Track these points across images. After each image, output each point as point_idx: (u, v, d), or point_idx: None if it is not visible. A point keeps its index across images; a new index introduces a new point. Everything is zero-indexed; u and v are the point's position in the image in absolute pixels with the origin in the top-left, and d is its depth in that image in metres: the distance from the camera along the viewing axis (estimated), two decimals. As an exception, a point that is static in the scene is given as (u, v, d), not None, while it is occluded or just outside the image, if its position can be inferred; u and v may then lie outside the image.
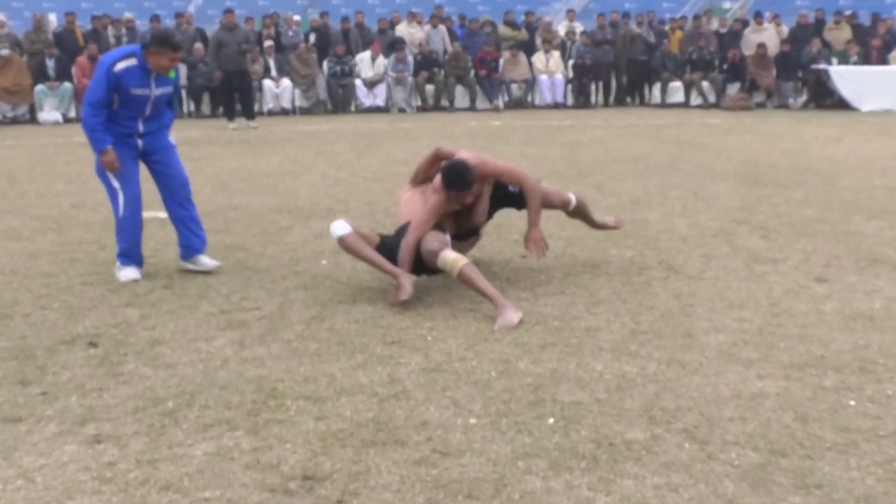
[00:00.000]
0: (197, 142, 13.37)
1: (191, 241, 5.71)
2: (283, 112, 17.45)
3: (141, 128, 5.53)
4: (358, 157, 11.21)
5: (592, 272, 5.59)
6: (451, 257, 4.75)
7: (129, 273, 5.57)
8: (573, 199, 5.58)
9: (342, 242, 4.91)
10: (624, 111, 18.18)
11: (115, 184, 5.52)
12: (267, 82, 17.46)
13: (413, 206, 5.09)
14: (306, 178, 9.56)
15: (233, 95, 15.60)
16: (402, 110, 18.10)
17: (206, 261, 5.72)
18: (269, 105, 17.59)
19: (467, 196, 4.98)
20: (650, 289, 5.21)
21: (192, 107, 17.54)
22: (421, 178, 5.29)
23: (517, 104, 18.70)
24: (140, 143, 5.56)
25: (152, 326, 4.56)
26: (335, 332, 4.43)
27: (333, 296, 5.09)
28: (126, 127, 5.49)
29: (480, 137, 13.33)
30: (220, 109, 16.94)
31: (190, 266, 5.71)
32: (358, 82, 17.94)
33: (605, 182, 9.07)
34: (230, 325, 4.56)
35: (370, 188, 8.93)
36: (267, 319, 4.66)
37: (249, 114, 15.57)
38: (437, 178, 5.07)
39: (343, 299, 5.02)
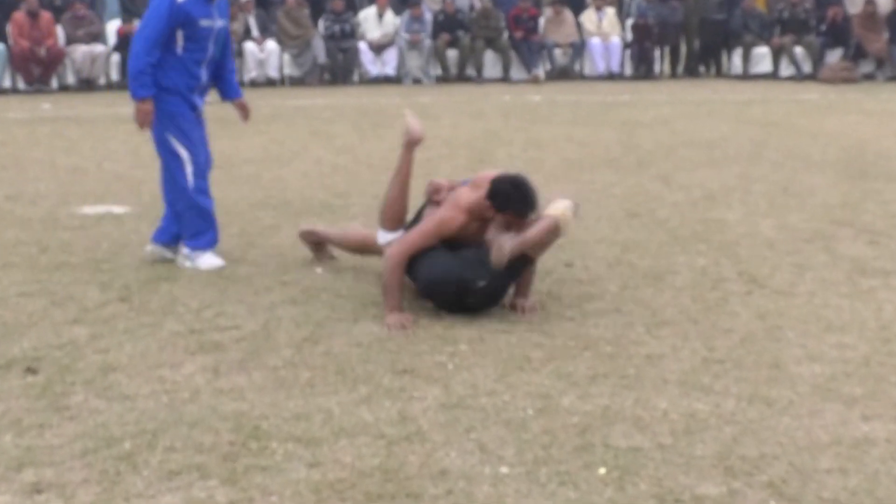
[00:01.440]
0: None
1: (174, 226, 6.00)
2: (269, 82, 17.52)
3: (204, 76, 5.90)
4: (362, 140, 11.26)
5: (655, 285, 5.59)
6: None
7: (210, 259, 5.92)
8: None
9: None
10: (696, 83, 18.15)
11: (181, 150, 5.83)
12: (248, 45, 17.44)
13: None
14: (297, 165, 9.61)
15: None
16: (417, 81, 18.14)
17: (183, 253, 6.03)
18: (250, 73, 17.62)
19: (513, 223, 4.94)
20: (727, 306, 5.20)
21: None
22: (400, 214, 5.50)
23: (562, 74, 18.71)
24: (204, 78, 5.94)
25: (105, 349, 4.59)
26: (332, 358, 4.46)
27: (331, 312, 5.11)
28: (191, 76, 5.84)
29: (515, 115, 13.35)
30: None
31: (167, 255, 6.02)
32: (362, 46, 17.97)
33: (671, 173, 9.07)
34: (202, 348, 4.59)
35: (377, 179, 8.95)
36: (247, 341, 4.70)
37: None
38: (466, 194, 5.07)
39: (343, 317, 5.04)
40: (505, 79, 18.31)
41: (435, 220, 5.08)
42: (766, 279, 5.69)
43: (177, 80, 5.78)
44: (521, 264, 5.00)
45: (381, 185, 8.36)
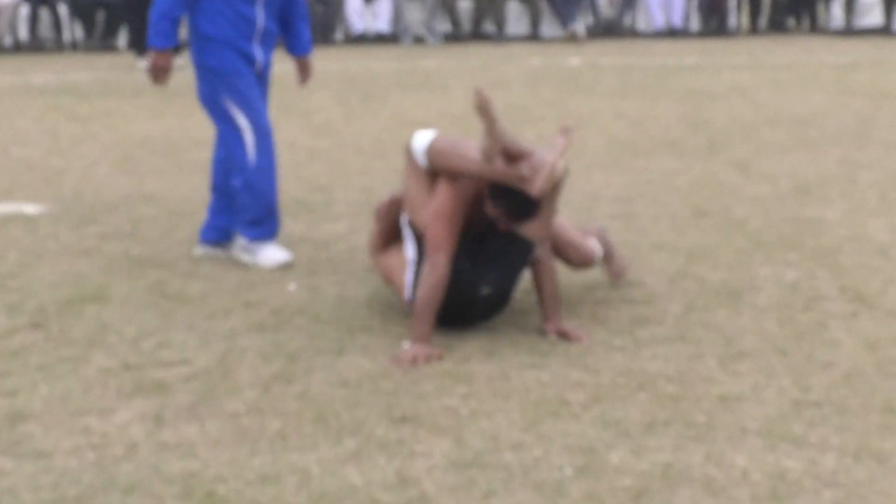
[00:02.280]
0: (86, 90, 13.48)
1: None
2: (227, 43, 17.58)
3: (261, 18, 6.14)
4: (348, 118, 11.27)
5: (731, 305, 5.58)
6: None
7: (274, 253, 6.24)
8: (597, 249, 5.74)
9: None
10: (783, 41, 18.16)
11: (239, 117, 6.08)
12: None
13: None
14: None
15: (146, 15, 15.69)
16: (419, 40, 18.17)
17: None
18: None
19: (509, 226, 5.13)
20: (826, 333, 5.20)
21: (77, 33, 17.71)
22: (387, 236, 5.58)
23: (608, 30, 18.73)
24: (260, 58, 6.19)
25: (13, 391, 4.59)
26: (310, 402, 4.46)
27: (308, 342, 5.12)
28: (243, 20, 6.08)
29: (546, 84, 13.36)
30: (124, 37, 17.09)
31: (217, 254, 6.41)
32: (347, -6, 18.05)
33: (750, 158, 9.06)
34: (140, 390, 4.59)
35: (368, 167, 8.98)
36: (200, 380, 4.70)
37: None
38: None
39: (323, 348, 5.05)
40: (534, 36, 18.34)
41: (445, 201, 5.13)
42: (877, 297, 5.68)
43: (224, 26, 6.02)
44: (524, 257, 5.16)
45: (374, 177, 8.43)
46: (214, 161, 6.42)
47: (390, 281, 5.49)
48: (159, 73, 6.10)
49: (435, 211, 5.12)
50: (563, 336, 5.09)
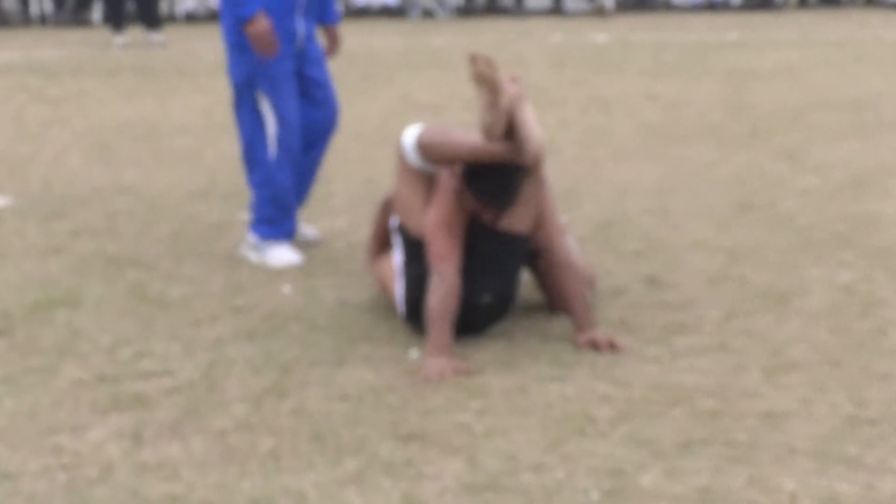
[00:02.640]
0: (56, 69, 13.50)
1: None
2: (213, 16, 17.59)
3: None
4: (347, 100, 11.20)
5: (777, 310, 5.59)
6: None
7: (284, 254, 6.36)
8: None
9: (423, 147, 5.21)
10: (835, 15, 18.14)
11: (266, 107, 6.25)
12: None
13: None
14: (253, 136, 9.65)
15: None
16: (428, 14, 18.20)
17: (305, 230, 6.72)
18: (185, 3, 17.75)
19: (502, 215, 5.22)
20: (885, 341, 5.20)
21: (46, 6, 17.73)
22: (382, 240, 5.69)
23: (639, 2, 18.74)
24: (302, 29, 6.34)
25: (-24, 404, 4.62)
26: (306, 418, 4.47)
27: (303, 352, 5.14)
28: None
29: (570, 64, 13.36)
30: (98, 11, 17.09)
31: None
32: (347, -38, 18.07)
33: (799, 145, 9.06)
34: (117, 404, 4.60)
35: (369, 156, 9.00)
36: (183, 394, 4.71)
37: (152, 19, 15.71)
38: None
39: (321, 358, 5.06)
40: (556, 9, 18.36)
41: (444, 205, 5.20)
42: (941, 301, 5.69)
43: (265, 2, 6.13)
44: (519, 258, 5.29)
45: (377, 167, 8.44)
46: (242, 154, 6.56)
47: (384, 289, 5.54)
48: (265, 39, 6.09)
49: (434, 221, 5.17)
50: (597, 347, 5.10)
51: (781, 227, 6.93)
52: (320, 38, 6.52)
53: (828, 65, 13.14)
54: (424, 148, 5.22)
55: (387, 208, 5.64)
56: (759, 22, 17.20)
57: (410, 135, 5.30)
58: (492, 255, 5.25)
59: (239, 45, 6.22)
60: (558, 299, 5.38)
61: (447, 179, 5.24)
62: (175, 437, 4.32)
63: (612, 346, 5.05)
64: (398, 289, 5.34)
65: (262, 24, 6.04)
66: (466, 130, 5.18)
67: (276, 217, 6.38)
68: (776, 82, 11.99)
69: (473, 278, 5.15)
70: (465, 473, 4.01)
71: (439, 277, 5.05)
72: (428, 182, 5.26)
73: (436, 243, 5.13)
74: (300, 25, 6.31)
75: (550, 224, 5.35)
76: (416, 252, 5.26)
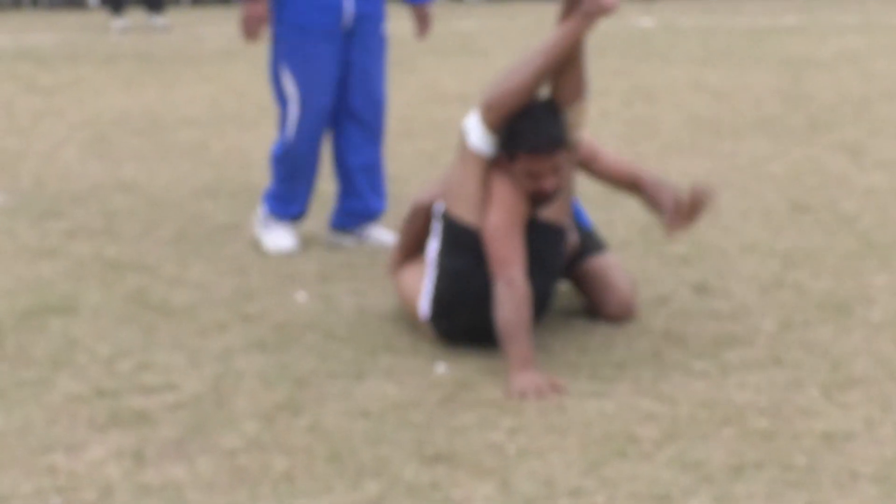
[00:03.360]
0: (50, 55, 13.53)
1: (366, 200, 6.80)
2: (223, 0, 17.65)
3: None
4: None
5: (837, 321, 5.57)
6: None
7: (280, 238, 6.62)
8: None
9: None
10: (903, -3, 18.09)
11: (289, 85, 6.45)
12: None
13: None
14: (265, 129, 9.63)
15: None
16: (455, -5, 18.21)
17: (381, 234, 6.82)
18: (190, -16, 17.80)
19: (559, 163, 5.23)
20: (958, 356, 5.18)
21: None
22: (410, 249, 5.70)
23: (687, -17, 18.72)
24: (351, 8, 6.49)
25: (-37, 420, 4.64)
26: (323, 436, 4.47)
27: (319, 363, 5.14)
28: None
29: (612, 51, 13.35)
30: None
31: (347, 242, 6.82)
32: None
33: (862, 140, 9.03)
34: (116, 421, 4.61)
35: (392, 150, 8.94)
36: (189, 409, 4.72)
37: (154, 1, 15.71)
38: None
39: (339, 370, 5.07)
40: (596, -10, 18.35)
41: (502, 196, 5.21)
42: None
43: None
44: (558, 252, 5.37)
45: (402, 161, 8.44)
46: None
47: (405, 299, 5.53)
48: (253, 25, 6.32)
49: (495, 224, 5.16)
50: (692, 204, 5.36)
51: (842, 229, 6.91)
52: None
53: (894, 52, 13.10)
54: (492, 105, 5.22)
55: (417, 215, 5.63)
56: (819, 4, 17.17)
57: (473, 116, 5.32)
58: (534, 249, 5.23)
59: (275, 20, 6.42)
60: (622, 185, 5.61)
61: (503, 180, 5.23)
62: (180, 456, 4.33)
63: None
64: (426, 283, 5.33)
65: (260, 9, 6.24)
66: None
67: (285, 196, 6.61)
68: (837, 71, 11.97)
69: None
70: (497, 498, 4.01)
71: (507, 285, 5.02)
72: (484, 172, 5.25)
73: (499, 248, 5.10)
74: (348, 3, 6.43)
75: (626, 163, 5.69)
76: (457, 241, 5.26)
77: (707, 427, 4.51)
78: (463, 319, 5.22)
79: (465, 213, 5.22)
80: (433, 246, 5.38)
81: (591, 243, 5.67)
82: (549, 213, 5.25)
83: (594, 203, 5.81)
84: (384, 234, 6.76)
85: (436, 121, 9.92)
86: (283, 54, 6.44)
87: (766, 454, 4.30)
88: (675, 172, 8.04)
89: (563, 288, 5.67)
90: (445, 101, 10.64)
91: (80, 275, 6.20)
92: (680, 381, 4.91)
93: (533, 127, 5.15)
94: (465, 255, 5.20)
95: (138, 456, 4.33)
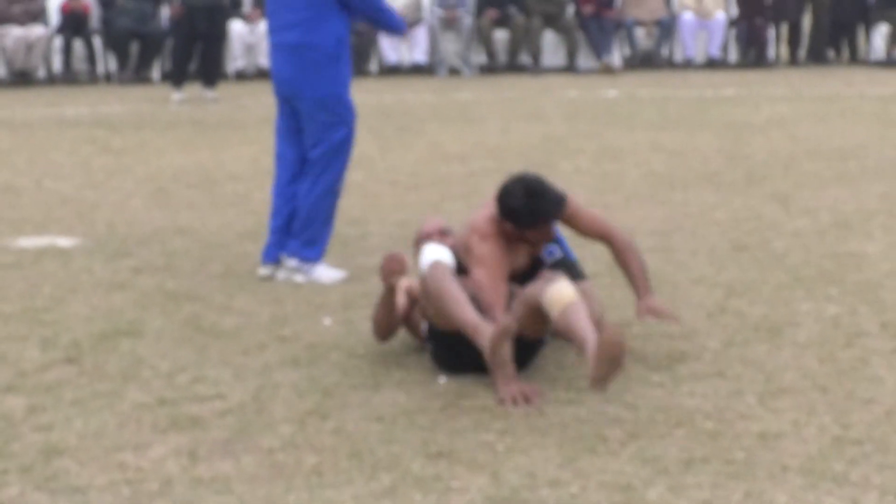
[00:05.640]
0: (119, 122, 13.56)
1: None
2: (261, 74, 17.64)
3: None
4: (382, 150, 11.30)
5: (771, 340, 5.58)
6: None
7: (329, 272, 6.73)
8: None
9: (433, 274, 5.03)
10: (823, 73, 18.11)
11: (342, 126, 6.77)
12: (235, 24, 17.43)
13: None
14: (297, 183, 9.68)
15: (190, 48, 15.46)
16: (454, 71, 18.22)
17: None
18: (236, 63, 17.75)
19: (547, 232, 5.28)
20: (867, 370, 5.18)
21: (111, 65, 17.81)
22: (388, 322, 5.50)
23: (645, 61, 18.73)
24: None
25: (48, 426, 4.63)
26: (346, 437, 4.48)
27: (343, 377, 5.15)
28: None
29: (583, 116, 13.37)
30: (157, 69, 17.16)
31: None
32: (382, 26, 18.06)
33: (790, 192, 9.04)
34: (175, 425, 4.63)
35: (402, 201, 9.01)
36: (234, 415, 4.73)
37: (211, 78, 15.58)
38: (481, 218, 5.31)
39: (359, 383, 5.08)
40: (570, 68, 18.35)
41: (484, 260, 5.17)
42: (920, 333, 5.67)
43: (343, 28, 6.69)
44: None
45: (410, 210, 8.46)
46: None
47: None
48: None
49: (477, 282, 5.13)
50: (658, 315, 5.27)
51: (774, 265, 6.92)
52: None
53: (816, 118, 13.12)
54: (428, 295, 5.04)
55: (390, 292, 5.42)
56: (754, 79, 17.19)
57: (429, 258, 5.17)
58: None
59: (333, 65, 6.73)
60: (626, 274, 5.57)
61: (483, 226, 5.24)
62: (227, 454, 4.34)
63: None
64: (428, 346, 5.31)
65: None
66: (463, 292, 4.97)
67: (318, 237, 6.76)
68: (769, 133, 11.98)
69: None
70: (489, 488, 4.02)
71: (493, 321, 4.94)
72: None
73: (484, 297, 5.07)
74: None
75: (601, 221, 5.59)
76: (448, 348, 5.14)
77: (663, 428, 4.52)
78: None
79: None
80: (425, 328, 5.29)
81: (574, 272, 5.59)
82: (538, 236, 5.30)
83: (569, 240, 5.80)
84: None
85: (439, 175, 9.92)
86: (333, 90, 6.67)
87: (711, 451, 4.31)
88: (637, 219, 8.07)
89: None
90: (447, 160, 10.64)
91: (144, 304, 6.21)
92: (640, 391, 4.92)
93: (535, 206, 5.20)
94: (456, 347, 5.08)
95: (193, 454, 4.34)
